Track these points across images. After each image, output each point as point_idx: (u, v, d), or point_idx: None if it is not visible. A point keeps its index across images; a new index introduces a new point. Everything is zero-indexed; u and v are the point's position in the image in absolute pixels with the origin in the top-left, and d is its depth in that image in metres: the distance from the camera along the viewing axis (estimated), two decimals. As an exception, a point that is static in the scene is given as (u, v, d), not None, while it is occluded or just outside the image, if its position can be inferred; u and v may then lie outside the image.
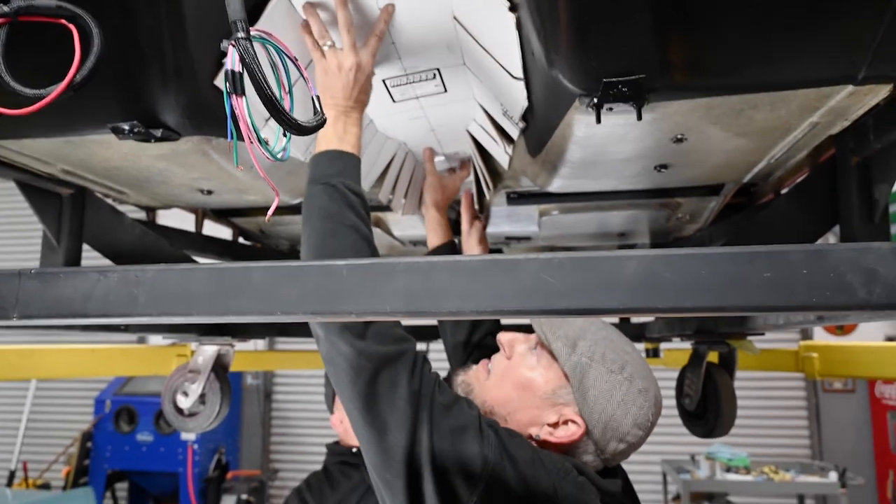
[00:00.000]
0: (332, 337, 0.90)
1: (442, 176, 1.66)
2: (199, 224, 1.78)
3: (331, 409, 2.09)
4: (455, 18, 1.04)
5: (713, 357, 1.83)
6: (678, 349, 2.64)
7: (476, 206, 1.73)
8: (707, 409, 1.80)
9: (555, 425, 1.03)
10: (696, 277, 0.52)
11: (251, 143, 0.56)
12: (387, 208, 1.73)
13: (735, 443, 4.93)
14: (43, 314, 0.63)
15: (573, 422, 1.02)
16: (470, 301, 0.56)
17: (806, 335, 5.35)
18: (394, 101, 1.32)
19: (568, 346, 1.04)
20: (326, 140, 1.04)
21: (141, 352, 2.12)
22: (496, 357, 1.15)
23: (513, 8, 0.86)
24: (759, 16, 0.72)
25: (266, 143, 0.59)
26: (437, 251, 1.66)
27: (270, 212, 0.61)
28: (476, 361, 1.51)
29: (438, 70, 1.23)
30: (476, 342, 1.57)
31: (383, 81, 1.25)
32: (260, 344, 5.57)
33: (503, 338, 1.13)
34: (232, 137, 0.57)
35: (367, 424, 0.90)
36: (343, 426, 1.92)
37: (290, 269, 0.59)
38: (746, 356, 1.79)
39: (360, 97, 1.06)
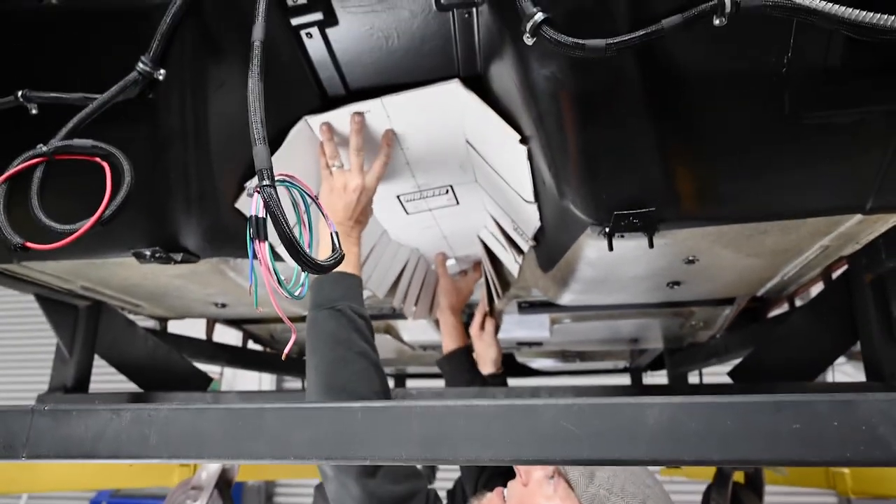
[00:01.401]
0: (342, 477, 0.86)
1: (455, 279, 1.67)
2: (209, 330, 1.78)
3: None
4: (467, 142, 1.09)
5: (738, 476, 1.74)
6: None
7: (487, 310, 1.73)
8: (736, 533, 1.70)
9: None
10: (722, 428, 0.51)
11: (272, 288, 0.57)
12: (397, 315, 1.73)
13: (766, 556, 4.60)
14: (52, 454, 0.62)
15: None
16: (488, 448, 0.54)
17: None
18: (407, 213, 1.35)
19: (585, 477, 1.00)
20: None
21: (143, 464, 2.06)
22: (512, 484, 1.10)
23: (524, 141, 0.89)
24: (766, 151, 0.74)
25: (285, 283, 0.60)
26: (453, 356, 1.65)
27: (287, 350, 0.61)
28: (490, 478, 1.44)
29: (451, 186, 1.26)
30: None
31: (397, 197, 1.29)
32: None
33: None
34: (253, 280, 0.59)
35: None
36: None
37: (303, 412, 0.58)
38: (775, 474, 1.70)
39: (361, 217, 1.08)
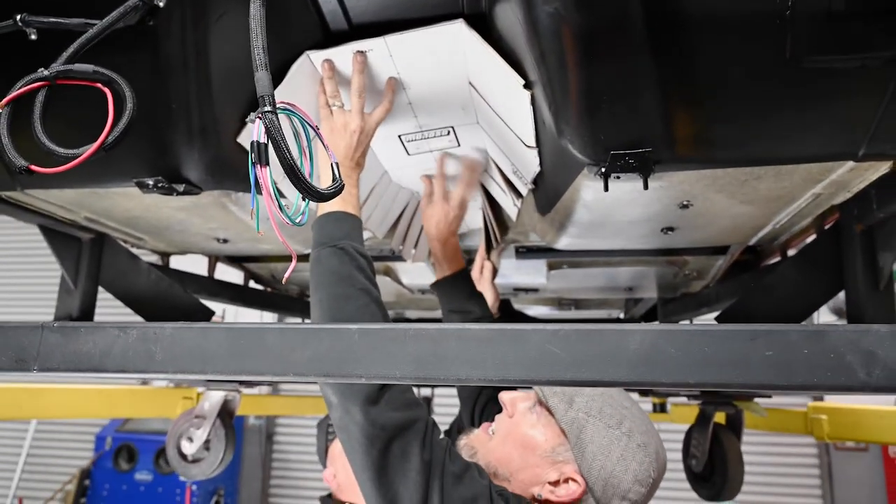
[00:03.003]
0: (347, 404, 0.90)
1: (434, 203, 1.45)
2: (211, 268, 1.81)
3: (323, 463, 2.06)
4: (470, 83, 1.08)
5: (720, 417, 1.81)
6: (686, 405, 2.61)
7: (485, 255, 1.74)
8: (714, 471, 1.77)
9: (556, 484, 1.02)
10: (699, 354, 0.54)
11: (273, 211, 0.59)
12: (396, 258, 1.75)
13: (745, 501, 4.80)
14: (62, 368, 0.65)
15: (573, 480, 1.00)
16: (477, 369, 0.57)
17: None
18: (408, 154, 1.36)
19: (565, 402, 1.04)
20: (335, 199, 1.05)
21: (147, 393, 2.13)
22: (499, 417, 1.15)
23: (528, 86, 0.90)
24: (764, 95, 0.75)
25: (286, 209, 0.62)
26: (447, 281, 1.53)
27: (287, 275, 0.63)
28: (486, 406, 1.49)
29: (453, 127, 1.27)
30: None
31: (399, 136, 1.29)
32: (263, 388, 5.53)
33: (505, 396, 1.13)
34: (254, 205, 0.60)
35: (379, 495, 0.90)
36: (336, 481, 1.89)
37: (303, 332, 0.61)
38: (755, 416, 1.77)
39: (360, 160, 1.09)
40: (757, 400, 1.63)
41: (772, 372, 0.52)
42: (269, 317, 5.59)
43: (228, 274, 1.89)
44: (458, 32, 0.94)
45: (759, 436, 5.16)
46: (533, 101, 0.91)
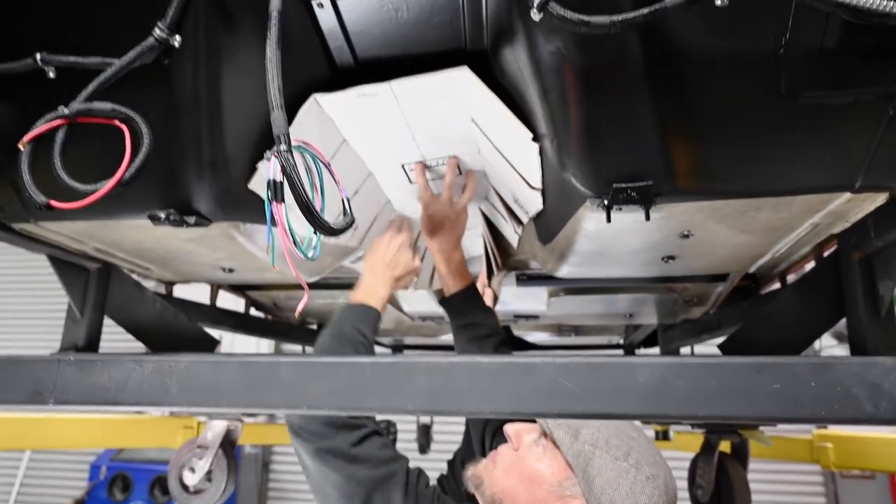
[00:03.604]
0: (320, 465, 0.91)
1: (440, 211, 1.36)
2: (213, 296, 1.82)
3: None
4: (473, 120, 1.11)
5: (725, 446, 1.80)
6: (689, 433, 2.60)
7: (486, 282, 1.75)
8: (720, 500, 1.76)
9: None
10: (707, 387, 0.55)
11: (287, 247, 0.61)
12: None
13: (750, 530, 4.72)
14: (78, 401, 0.66)
15: None
16: (489, 402, 0.58)
17: (819, 417, 5.21)
18: (410, 182, 1.38)
19: (570, 435, 1.04)
20: (360, 293, 1.25)
21: (148, 423, 2.11)
22: (503, 448, 1.14)
23: (536, 139, 0.92)
24: (761, 129, 0.77)
25: (299, 244, 0.63)
26: (457, 298, 1.50)
27: (300, 308, 0.65)
28: (497, 431, 1.48)
29: (455, 156, 1.29)
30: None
31: (402, 165, 1.31)
32: (261, 416, 5.47)
33: (509, 429, 1.12)
34: (270, 241, 0.62)
35: None
36: None
37: (316, 365, 0.62)
38: (760, 445, 1.77)
39: (400, 279, 1.29)
40: (762, 428, 1.63)
41: (779, 404, 0.53)
42: (264, 345, 5.58)
43: (227, 300, 1.90)
44: (463, 79, 0.97)
45: (764, 464, 5.10)
46: (541, 152, 0.94)
